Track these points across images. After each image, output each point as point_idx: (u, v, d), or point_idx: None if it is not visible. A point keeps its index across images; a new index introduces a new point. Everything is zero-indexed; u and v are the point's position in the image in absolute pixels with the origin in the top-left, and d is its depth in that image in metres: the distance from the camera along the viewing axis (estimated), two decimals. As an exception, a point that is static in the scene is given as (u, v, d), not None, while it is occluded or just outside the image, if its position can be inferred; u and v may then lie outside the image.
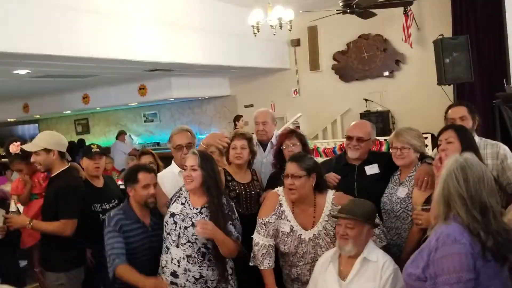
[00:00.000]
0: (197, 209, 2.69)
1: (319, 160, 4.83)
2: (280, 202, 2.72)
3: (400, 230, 2.83)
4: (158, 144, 11.77)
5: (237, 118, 8.87)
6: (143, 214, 2.89)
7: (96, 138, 13.04)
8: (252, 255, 2.72)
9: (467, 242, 1.82)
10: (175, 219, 2.68)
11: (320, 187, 2.68)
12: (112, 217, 2.78)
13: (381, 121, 8.28)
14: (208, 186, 2.68)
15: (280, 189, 2.77)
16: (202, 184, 2.68)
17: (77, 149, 7.69)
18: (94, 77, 8.32)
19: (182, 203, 2.72)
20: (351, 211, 2.37)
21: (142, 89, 9.87)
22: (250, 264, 2.71)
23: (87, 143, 11.81)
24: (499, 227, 1.90)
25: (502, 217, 2.34)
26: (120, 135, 10.48)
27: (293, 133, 3.31)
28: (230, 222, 2.67)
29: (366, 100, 8.74)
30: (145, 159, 3.81)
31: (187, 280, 2.61)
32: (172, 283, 2.62)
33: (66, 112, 12.43)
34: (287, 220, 2.68)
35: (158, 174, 3.30)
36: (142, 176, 2.84)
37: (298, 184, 2.58)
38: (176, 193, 2.82)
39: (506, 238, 1.89)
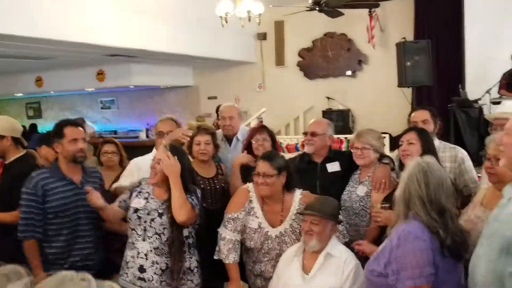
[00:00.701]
0: (163, 200, 2.62)
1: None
2: (251, 198, 2.73)
3: (358, 227, 2.91)
4: (115, 132, 11.44)
5: (219, 108, 8.69)
6: (71, 171, 2.79)
7: (49, 123, 12.52)
8: (217, 249, 2.71)
9: (427, 238, 1.93)
10: (138, 214, 2.61)
11: (289, 185, 2.70)
12: (33, 178, 2.68)
13: (342, 119, 8.45)
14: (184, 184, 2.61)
15: (250, 185, 2.76)
16: (166, 177, 2.60)
17: (28, 134, 7.35)
18: (49, 59, 7.96)
19: (145, 198, 2.65)
20: (316, 208, 2.42)
21: (100, 75, 9.53)
22: (215, 257, 2.70)
23: (39, 128, 11.37)
24: (456, 229, 2.03)
25: (458, 218, 2.47)
26: (82, 122, 10.10)
27: (264, 128, 3.33)
28: (188, 195, 2.59)
29: (328, 98, 8.88)
30: (108, 148, 3.68)
31: (154, 273, 2.56)
32: (139, 278, 2.56)
33: (17, 94, 11.84)
34: (256, 216, 2.70)
35: (135, 160, 3.26)
36: (69, 131, 2.74)
37: (270, 182, 2.60)
38: (136, 187, 2.73)
39: (462, 237, 2.02)
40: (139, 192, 2.69)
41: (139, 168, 3.13)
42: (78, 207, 2.78)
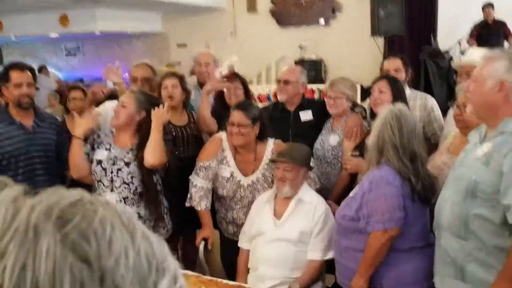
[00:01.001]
0: (128, 147, 2.59)
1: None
2: (223, 147, 2.72)
3: (330, 175, 2.97)
4: (81, 80, 11.03)
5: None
6: (22, 116, 2.74)
7: (11, 69, 11.96)
8: (189, 196, 2.72)
9: (398, 184, 1.99)
10: (103, 166, 2.56)
11: (262, 135, 2.70)
12: None
13: (314, 69, 8.40)
14: (141, 128, 2.58)
15: (223, 134, 2.74)
16: (132, 124, 2.58)
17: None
18: (9, 1, 7.47)
19: (106, 149, 2.59)
20: (289, 155, 2.43)
21: (64, 19, 9.04)
22: (187, 205, 2.72)
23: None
24: (425, 174, 2.09)
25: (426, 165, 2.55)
26: (43, 68, 9.67)
27: (236, 76, 3.26)
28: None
29: (300, 47, 8.76)
30: (74, 94, 3.55)
31: None
32: None
33: (-25, 39, 11.18)
34: (228, 165, 2.71)
35: (106, 104, 3.16)
36: (14, 74, 2.68)
37: (244, 132, 2.59)
38: (95, 138, 2.65)
39: (430, 182, 2.10)
40: (100, 143, 2.63)
41: (108, 114, 3.05)
42: (31, 152, 2.72)
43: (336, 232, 2.28)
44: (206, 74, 3.54)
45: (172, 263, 0.31)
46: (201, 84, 3.53)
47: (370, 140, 2.13)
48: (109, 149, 2.59)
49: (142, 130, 2.59)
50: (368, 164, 2.17)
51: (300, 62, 8.40)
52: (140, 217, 2.57)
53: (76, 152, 2.53)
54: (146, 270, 0.28)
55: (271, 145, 2.73)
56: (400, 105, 2.20)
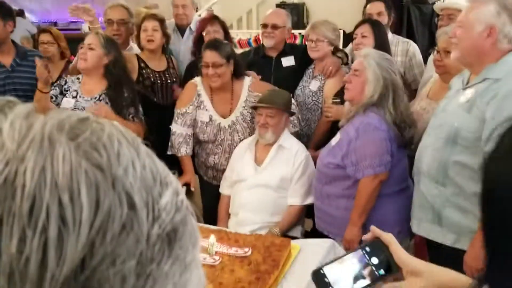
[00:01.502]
0: (95, 98, 2.51)
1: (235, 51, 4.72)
2: (199, 92, 2.68)
3: (310, 121, 2.96)
4: (55, 24, 10.58)
5: None
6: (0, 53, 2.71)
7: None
8: (170, 144, 2.71)
9: (385, 128, 1.99)
10: None
11: (237, 73, 2.66)
12: None
13: (296, 13, 8.15)
14: (110, 71, 2.52)
15: (198, 79, 2.69)
16: (100, 67, 2.51)
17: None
18: None
19: (73, 97, 2.51)
20: (271, 101, 2.41)
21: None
22: (168, 152, 2.71)
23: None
24: (408, 118, 2.12)
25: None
26: (23, 13, 9.17)
27: (215, 19, 3.14)
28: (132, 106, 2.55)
29: (282, -10, 8.48)
30: (43, 38, 3.38)
31: None
32: None
33: None
34: (206, 109, 2.68)
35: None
36: None
37: (220, 72, 2.54)
38: (62, 84, 2.56)
39: (411, 126, 2.13)
40: (66, 90, 2.54)
41: None
42: (10, 91, 2.68)
43: (317, 179, 2.29)
44: (184, 17, 3.41)
45: (174, 179, 0.34)
46: (179, 27, 3.41)
47: (371, 92, 2.07)
48: (76, 97, 2.51)
49: (112, 74, 2.52)
50: (353, 111, 2.14)
51: (282, 6, 8.19)
52: None
53: (37, 103, 2.46)
54: (151, 181, 0.30)
55: (247, 83, 2.71)
56: (372, 50, 2.20)
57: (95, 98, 2.51)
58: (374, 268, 0.80)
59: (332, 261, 0.81)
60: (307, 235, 2.58)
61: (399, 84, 2.09)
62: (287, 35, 3.12)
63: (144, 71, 3.01)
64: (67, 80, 2.59)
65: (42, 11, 11.15)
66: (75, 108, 2.46)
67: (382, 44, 2.73)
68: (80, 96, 2.52)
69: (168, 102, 2.99)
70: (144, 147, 0.33)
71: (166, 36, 3.07)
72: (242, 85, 2.69)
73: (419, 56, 3.12)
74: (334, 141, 2.20)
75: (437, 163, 1.89)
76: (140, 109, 2.60)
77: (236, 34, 7.13)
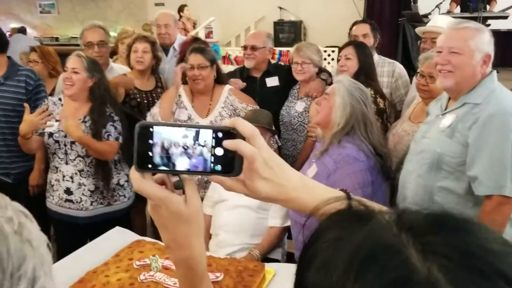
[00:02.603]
0: (79, 119, 2.50)
1: (230, 68, 4.75)
2: (180, 93, 2.79)
3: (296, 142, 2.97)
4: (57, 39, 10.72)
5: (181, 8, 8.07)
6: None
7: (-17, 27, 11.48)
8: None
9: (364, 159, 1.95)
10: (54, 138, 2.49)
11: (219, 79, 2.79)
12: None
13: (294, 31, 8.27)
14: (94, 93, 2.52)
15: (181, 86, 2.81)
16: (85, 90, 2.51)
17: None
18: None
19: (56, 120, 2.50)
20: (255, 120, 2.41)
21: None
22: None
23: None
24: (381, 145, 2.08)
25: (388, 132, 2.55)
26: (24, 30, 9.27)
27: (197, 40, 3.17)
28: (110, 123, 2.53)
29: (280, 8, 8.57)
30: (30, 56, 3.39)
31: (82, 194, 2.53)
32: (66, 200, 2.53)
33: None
34: (186, 109, 2.76)
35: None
36: None
37: (204, 74, 2.67)
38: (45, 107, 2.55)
39: (386, 153, 2.09)
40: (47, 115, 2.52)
41: None
42: None
43: (293, 210, 2.25)
44: (167, 36, 3.44)
45: (30, 265, 0.30)
46: (162, 46, 3.43)
47: (338, 117, 2.05)
48: (58, 120, 2.51)
49: (95, 96, 2.52)
50: (329, 140, 2.10)
51: (280, 24, 8.26)
52: (97, 188, 2.55)
53: (23, 143, 2.49)
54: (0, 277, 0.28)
55: (228, 87, 2.82)
56: (346, 77, 2.19)
57: (80, 120, 2.50)
58: (211, 159, 0.62)
59: (172, 125, 0.62)
60: (289, 256, 2.55)
61: (369, 116, 2.04)
62: (268, 55, 3.14)
63: (130, 91, 3.03)
64: (50, 103, 2.58)
65: (44, 27, 11.29)
66: (59, 131, 2.47)
67: (366, 66, 2.74)
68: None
69: (154, 121, 3.00)
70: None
71: (156, 58, 3.10)
72: (222, 89, 2.80)
73: (406, 77, 3.13)
74: (310, 173, 2.13)
75: (422, 189, 1.87)
76: (119, 127, 2.56)
77: (233, 51, 7.19)
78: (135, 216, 3.07)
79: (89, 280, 1.79)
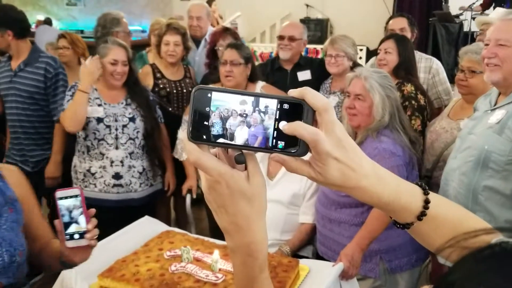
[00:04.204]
0: (121, 103, 2.55)
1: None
2: None
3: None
4: (82, 31, 10.79)
5: (209, 2, 8.07)
6: (14, 57, 2.82)
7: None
8: (175, 149, 2.77)
9: (401, 153, 1.88)
10: (105, 123, 2.49)
11: (253, 77, 2.71)
12: None
13: (320, 29, 8.16)
14: (133, 80, 2.60)
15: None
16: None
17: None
18: None
19: (99, 105, 2.51)
20: None
21: (65, -34, 8.72)
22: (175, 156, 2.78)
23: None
24: (414, 133, 2.05)
25: (426, 129, 2.46)
26: (50, 21, 9.40)
27: (227, 31, 3.10)
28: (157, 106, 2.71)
29: (307, 5, 8.47)
30: (60, 43, 3.38)
31: (132, 176, 2.56)
32: (114, 185, 2.53)
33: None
34: None
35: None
36: None
37: (236, 71, 2.59)
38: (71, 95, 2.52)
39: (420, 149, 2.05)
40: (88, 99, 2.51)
41: None
42: (12, 96, 2.77)
43: (320, 202, 2.17)
44: (198, 28, 3.38)
45: None
46: (193, 38, 3.36)
47: (379, 114, 1.96)
48: (101, 105, 2.52)
49: (129, 83, 2.59)
50: (364, 134, 2.02)
51: (306, 21, 8.16)
52: (144, 169, 2.60)
53: (81, 106, 2.43)
54: None
55: (260, 85, 2.73)
56: (364, 69, 2.12)
57: (122, 103, 2.54)
58: (274, 134, 0.54)
59: (234, 92, 0.54)
60: (318, 255, 2.47)
61: (399, 102, 2.02)
62: (302, 48, 3.06)
63: (159, 81, 2.99)
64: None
65: (70, 19, 11.41)
66: (109, 116, 2.49)
67: (406, 61, 2.63)
68: (105, 103, 2.53)
69: (183, 112, 2.94)
70: None
71: (186, 49, 3.07)
72: (255, 87, 2.71)
73: (443, 74, 3.01)
74: None
75: (466, 188, 1.77)
76: (159, 111, 2.75)
77: (258, 48, 7.13)
78: (160, 207, 3.03)
79: (118, 269, 1.75)
